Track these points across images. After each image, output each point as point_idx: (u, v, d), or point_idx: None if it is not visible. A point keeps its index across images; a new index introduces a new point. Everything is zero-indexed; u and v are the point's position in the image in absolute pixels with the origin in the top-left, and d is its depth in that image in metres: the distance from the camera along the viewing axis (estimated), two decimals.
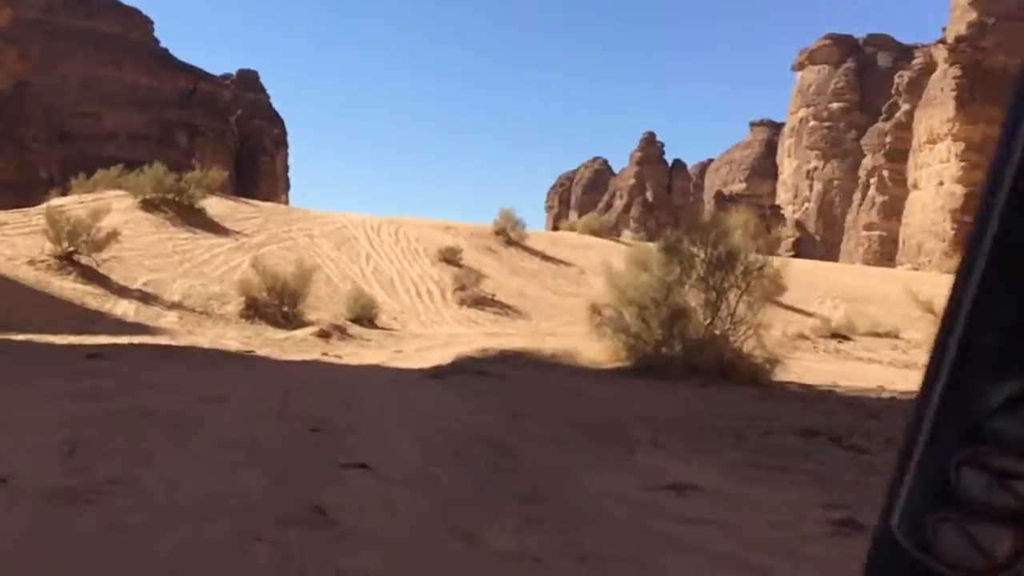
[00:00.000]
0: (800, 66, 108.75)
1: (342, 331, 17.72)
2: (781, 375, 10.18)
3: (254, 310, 19.99)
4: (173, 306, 19.71)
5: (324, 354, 13.13)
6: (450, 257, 34.36)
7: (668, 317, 10.05)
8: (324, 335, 16.36)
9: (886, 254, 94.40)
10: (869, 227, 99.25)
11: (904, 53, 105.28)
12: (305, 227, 34.68)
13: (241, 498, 4.00)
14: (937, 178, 69.09)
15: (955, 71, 67.60)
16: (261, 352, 12.78)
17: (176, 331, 16.63)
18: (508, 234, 40.16)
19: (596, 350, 11.40)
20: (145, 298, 19.72)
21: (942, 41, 71.46)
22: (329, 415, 6.64)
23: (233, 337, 15.76)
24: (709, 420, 6.98)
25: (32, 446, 4.64)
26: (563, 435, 6.04)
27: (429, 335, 21.55)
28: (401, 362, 11.85)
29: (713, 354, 9.87)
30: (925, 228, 70.19)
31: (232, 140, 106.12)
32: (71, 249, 20.29)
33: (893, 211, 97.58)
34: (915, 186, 72.79)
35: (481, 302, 30.03)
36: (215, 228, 31.14)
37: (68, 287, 19.21)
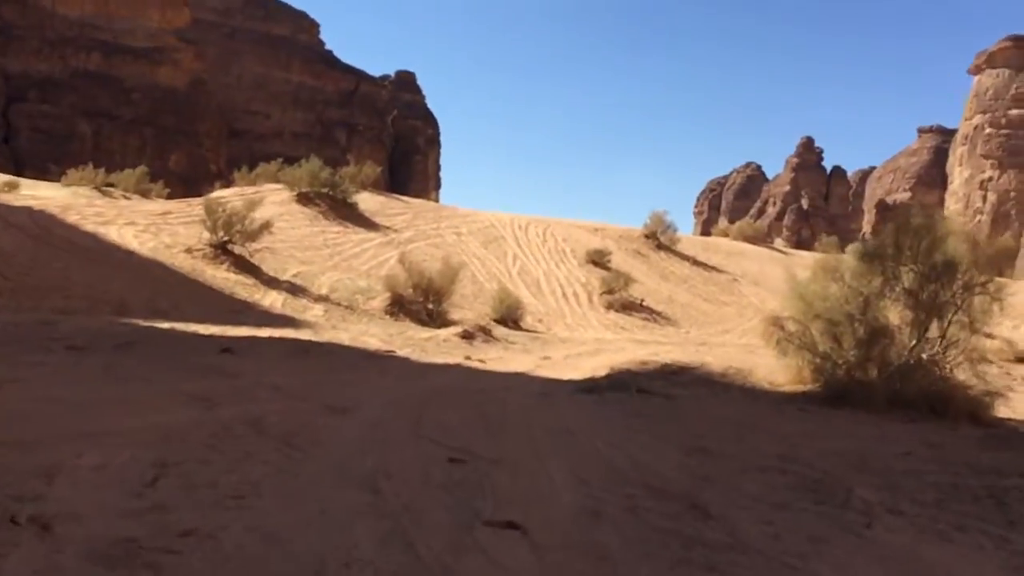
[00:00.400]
0: (977, 69, 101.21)
1: (486, 332, 16.72)
2: (1003, 410, 8.38)
3: (399, 306, 19.32)
4: (320, 299, 19.27)
5: (467, 357, 12.12)
6: (598, 259, 33.07)
7: (865, 336, 8.42)
8: (468, 336, 15.39)
9: None
10: None
11: None
12: (453, 225, 34.16)
13: (352, 569, 2.92)
14: None
15: None
16: (402, 352, 11.90)
17: (320, 325, 16.07)
18: (658, 238, 38.50)
19: (771, 368, 9.87)
20: (293, 290, 19.38)
21: None
22: (471, 439, 5.55)
23: (375, 334, 15.01)
24: (946, 474, 5.45)
25: (111, 470, 3.74)
26: (766, 490, 4.70)
27: (576, 340, 20.32)
28: (549, 371, 10.70)
29: (921, 382, 8.15)
30: None
31: (388, 139, 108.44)
32: (226, 239, 20.20)
33: None
34: None
35: (629, 307, 28.60)
36: (366, 223, 30.99)
37: (220, 276, 19.08)
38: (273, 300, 18.22)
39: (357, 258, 26.33)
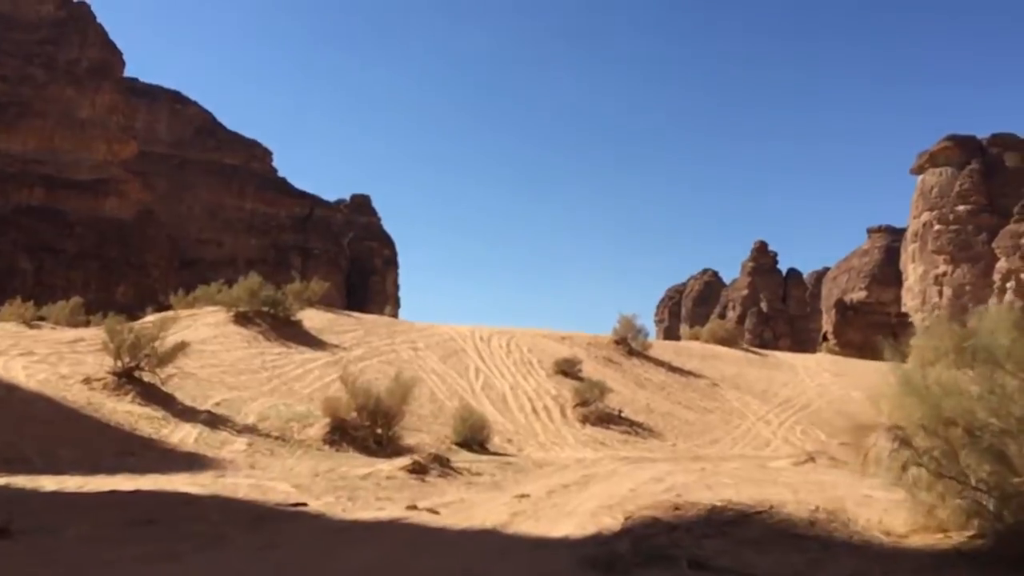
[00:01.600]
0: (920, 169, 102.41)
1: (443, 463, 13.37)
2: None
3: (340, 434, 15.95)
4: (245, 430, 15.83)
5: (412, 507, 8.83)
6: (568, 369, 29.96)
7: None
8: (419, 470, 12.04)
9: None
10: None
11: None
12: (409, 339, 30.99)
13: None
14: None
15: None
16: (318, 504, 8.61)
17: (234, 464, 12.69)
18: (630, 343, 35.59)
19: (866, 502, 6.76)
20: (213, 421, 15.92)
21: None
22: None
23: (299, 474, 11.67)
24: None
25: None
26: None
27: (553, 462, 17.03)
28: (531, 521, 7.53)
29: None
30: None
31: (344, 261, 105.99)
32: (132, 364, 16.85)
33: None
34: None
35: (606, 420, 25.37)
36: (311, 341, 27.72)
37: (122, 409, 15.62)
38: (185, 435, 14.76)
39: (299, 380, 22.98)
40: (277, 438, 15.60)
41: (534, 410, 25.34)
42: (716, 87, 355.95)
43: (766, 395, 33.75)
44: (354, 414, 16.28)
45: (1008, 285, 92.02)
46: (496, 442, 20.12)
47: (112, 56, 77.72)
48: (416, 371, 27.01)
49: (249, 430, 15.78)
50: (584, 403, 25.87)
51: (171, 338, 25.15)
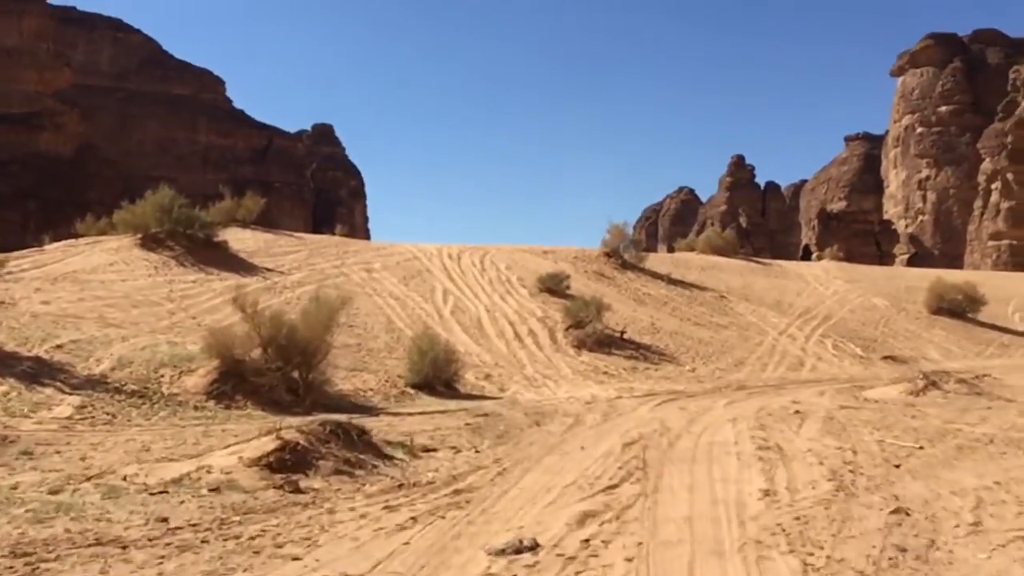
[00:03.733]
0: (900, 70, 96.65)
1: (358, 435, 7.57)
2: None
3: (234, 382, 10.47)
4: (87, 383, 10.29)
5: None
6: (554, 286, 24.53)
7: None
8: (293, 461, 6.31)
9: (1019, 264, 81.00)
10: (996, 236, 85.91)
11: (1016, 47, 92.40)
12: (363, 260, 25.34)
13: None
14: None
15: None
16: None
17: (44, 440, 7.29)
18: (622, 256, 30.17)
19: None
20: (37, 373, 10.34)
21: None
22: None
23: (151, 448, 6.31)
24: None
25: None
26: None
27: (553, 408, 11.75)
28: None
29: None
30: None
31: (308, 194, 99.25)
32: None
33: (1023, 216, 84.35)
34: None
35: (606, 343, 20.07)
36: (239, 266, 22.02)
37: None
38: None
39: (214, 312, 17.37)
40: (134, 393, 10.07)
41: (517, 335, 19.96)
42: (688, 5, 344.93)
43: (781, 306, 28.62)
44: (258, 352, 10.75)
45: (994, 186, 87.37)
46: (470, 379, 14.74)
47: None
48: (370, 295, 21.49)
49: (93, 383, 10.23)
50: (578, 324, 20.52)
51: (53, 267, 19.40)
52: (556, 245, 32.07)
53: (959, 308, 30.37)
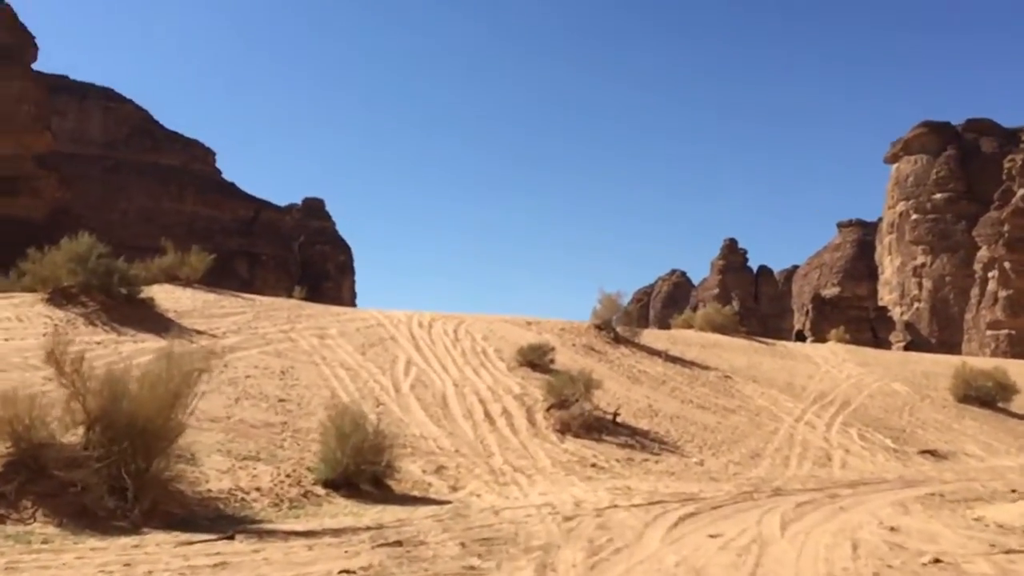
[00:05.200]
0: (894, 158, 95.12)
1: None
2: None
3: (27, 478, 6.79)
4: None
5: None
6: (537, 359, 20.94)
7: None
8: None
9: (1018, 354, 77.65)
10: (995, 325, 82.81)
11: (1009, 137, 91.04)
12: (317, 325, 21.74)
13: None
14: None
15: None
16: None
17: None
18: (615, 329, 26.66)
19: None
20: None
21: None
22: None
23: None
24: None
25: None
26: None
27: (510, 518, 8.01)
28: None
29: None
30: None
31: (294, 267, 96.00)
32: None
33: (1021, 306, 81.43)
34: None
35: (596, 427, 16.38)
36: (162, 326, 18.36)
37: None
38: None
39: None
40: None
41: (488, 416, 16.25)
42: (681, 85, 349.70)
43: (793, 389, 25.00)
44: (80, 433, 7.10)
45: (991, 275, 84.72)
46: (414, 472, 11.01)
47: (22, 39, 67.56)
48: (317, 364, 17.84)
49: None
50: (562, 404, 16.83)
51: None
52: (541, 318, 28.54)
53: (989, 396, 26.78)
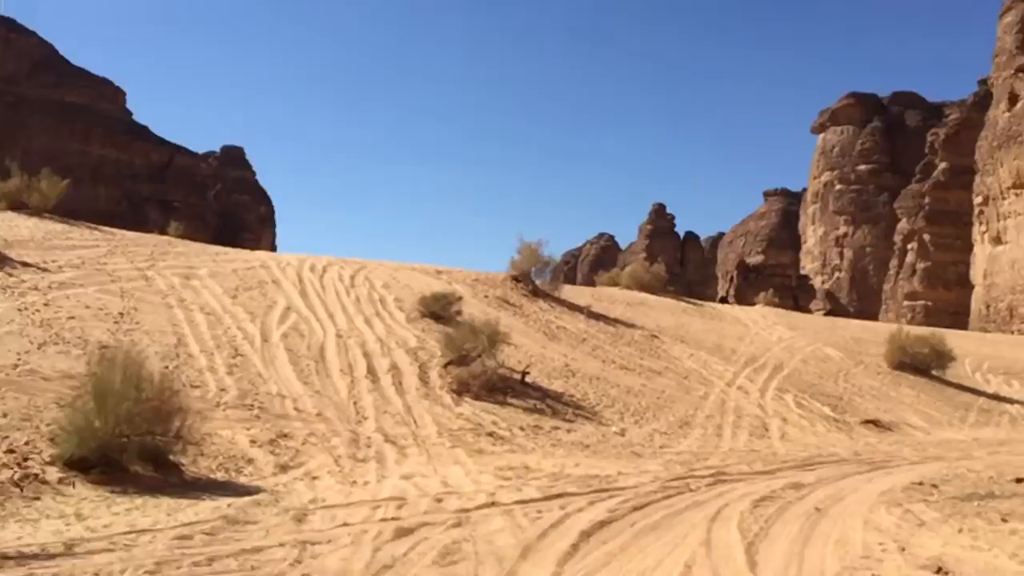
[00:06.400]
0: (821, 127, 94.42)
1: None
2: None
3: None
4: None
5: None
6: (441, 310, 18.06)
7: None
8: None
9: (933, 324, 78.14)
10: (912, 296, 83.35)
11: (933, 111, 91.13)
12: (186, 264, 18.41)
13: None
14: None
15: None
16: None
17: None
18: (534, 281, 23.93)
19: None
20: None
21: (1021, 69, 56.69)
22: None
23: None
24: None
25: None
26: None
27: (320, 527, 5.14)
28: None
29: None
30: (1018, 288, 54.01)
31: (211, 216, 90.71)
32: None
33: (938, 278, 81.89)
34: (998, 240, 56.93)
35: (501, 388, 13.64)
36: None
37: None
38: None
39: None
40: None
41: (371, 372, 13.33)
42: (614, 49, 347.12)
43: (723, 351, 22.73)
44: None
45: (910, 247, 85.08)
46: (239, 442, 8.07)
47: None
48: (171, 307, 14.61)
49: None
50: (462, 360, 14.03)
51: None
52: (454, 268, 25.62)
53: (924, 364, 25.00)
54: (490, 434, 10.96)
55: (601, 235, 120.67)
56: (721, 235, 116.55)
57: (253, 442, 8.29)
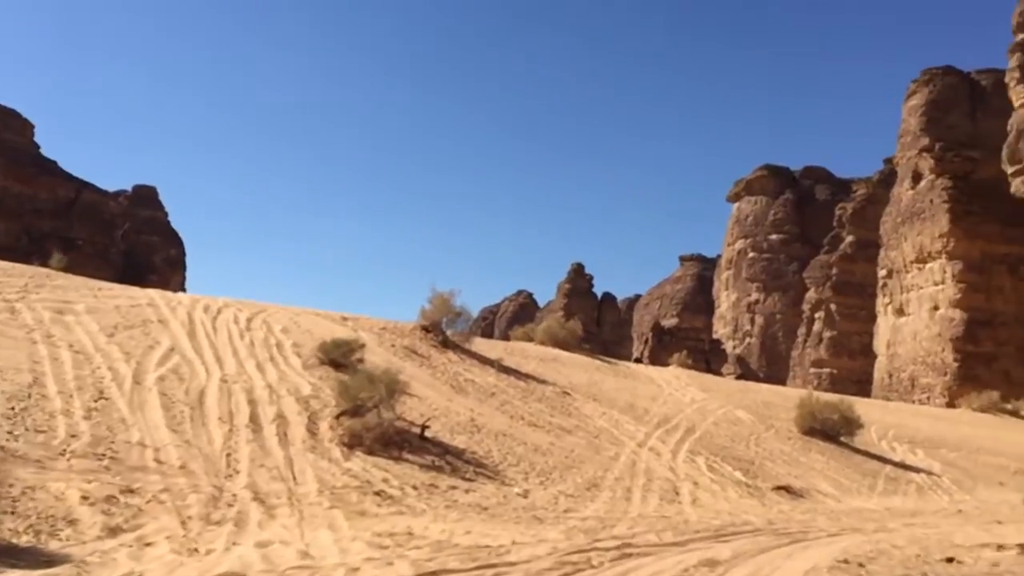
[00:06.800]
0: (736, 196, 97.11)
1: None
2: None
3: None
4: None
5: None
6: (341, 358, 16.90)
7: None
8: None
9: (839, 392, 80.00)
10: (818, 363, 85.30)
11: (841, 186, 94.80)
12: (63, 298, 16.85)
13: None
14: (930, 302, 55.07)
15: (945, 181, 54.95)
16: None
17: None
18: (444, 332, 22.95)
19: None
20: None
21: (926, 149, 59.32)
22: None
23: None
24: None
25: None
26: None
27: None
28: None
29: None
30: (919, 359, 55.55)
31: (116, 256, 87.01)
32: None
33: (843, 347, 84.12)
34: (901, 311, 58.69)
35: (397, 442, 12.57)
36: None
37: None
38: None
39: None
40: None
41: (253, 421, 12.08)
42: (534, 106, 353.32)
43: (635, 411, 22.09)
44: None
45: (817, 315, 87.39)
46: (69, 498, 6.81)
47: None
48: (35, 343, 13.12)
49: None
50: (357, 410, 12.90)
51: None
52: (362, 316, 24.47)
53: (833, 430, 24.86)
54: (378, 493, 9.87)
55: (520, 292, 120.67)
56: (638, 297, 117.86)
57: (85, 498, 7.06)
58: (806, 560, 7.21)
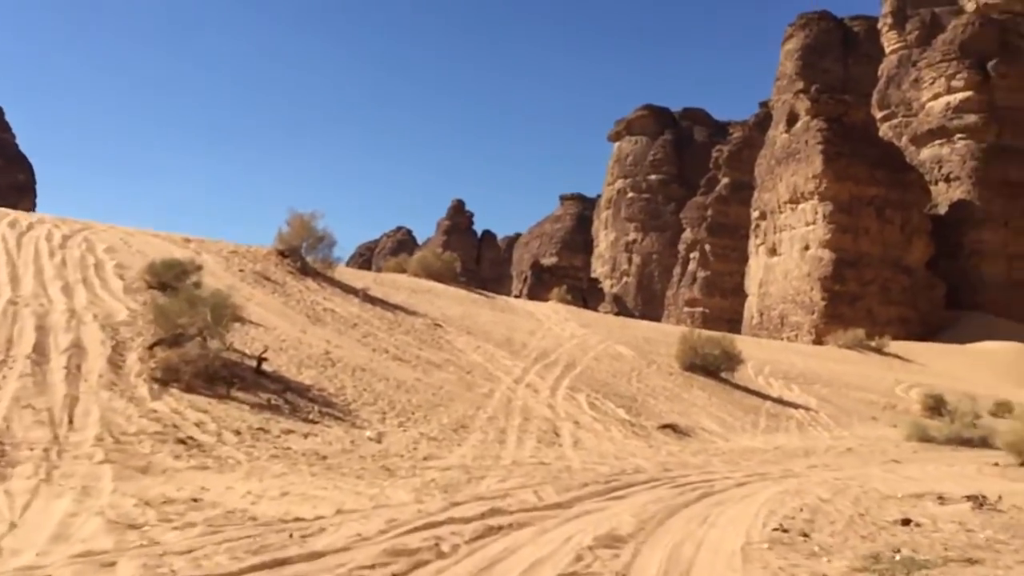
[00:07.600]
0: (617, 136, 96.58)
1: None
2: None
3: None
4: None
5: None
6: (174, 280, 14.32)
7: None
8: None
9: (711, 330, 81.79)
10: (692, 303, 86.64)
11: (719, 129, 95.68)
12: None
13: None
14: (802, 242, 55.95)
15: (819, 123, 55.45)
16: None
17: None
18: (303, 257, 20.47)
19: None
20: None
21: (803, 91, 59.65)
22: None
23: None
24: None
25: None
26: None
27: None
28: None
29: None
30: (788, 298, 56.60)
31: None
32: None
33: (716, 287, 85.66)
34: (774, 251, 59.54)
35: (225, 376, 10.31)
36: None
37: None
38: None
39: None
40: None
41: (39, 351, 9.57)
42: (420, 47, 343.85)
43: (512, 345, 20.46)
44: None
45: (692, 255, 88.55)
46: None
47: None
48: None
49: None
50: (176, 340, 10.53)
51: None
52: (210, 239, 21.66)
53: (714, 366, 24.05)
54: (183, 440, 7.68)
55: (399, 228, 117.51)
56: (518, 236, 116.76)
57: None
58: (733, 529, 5.57)
